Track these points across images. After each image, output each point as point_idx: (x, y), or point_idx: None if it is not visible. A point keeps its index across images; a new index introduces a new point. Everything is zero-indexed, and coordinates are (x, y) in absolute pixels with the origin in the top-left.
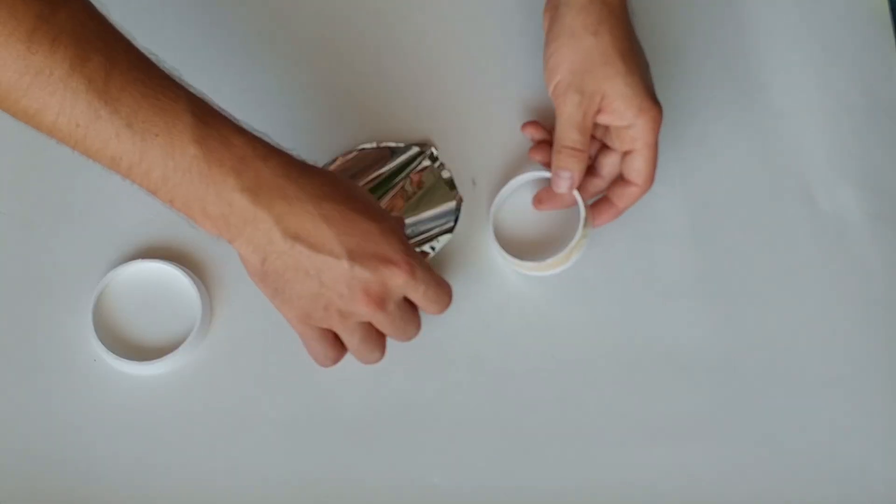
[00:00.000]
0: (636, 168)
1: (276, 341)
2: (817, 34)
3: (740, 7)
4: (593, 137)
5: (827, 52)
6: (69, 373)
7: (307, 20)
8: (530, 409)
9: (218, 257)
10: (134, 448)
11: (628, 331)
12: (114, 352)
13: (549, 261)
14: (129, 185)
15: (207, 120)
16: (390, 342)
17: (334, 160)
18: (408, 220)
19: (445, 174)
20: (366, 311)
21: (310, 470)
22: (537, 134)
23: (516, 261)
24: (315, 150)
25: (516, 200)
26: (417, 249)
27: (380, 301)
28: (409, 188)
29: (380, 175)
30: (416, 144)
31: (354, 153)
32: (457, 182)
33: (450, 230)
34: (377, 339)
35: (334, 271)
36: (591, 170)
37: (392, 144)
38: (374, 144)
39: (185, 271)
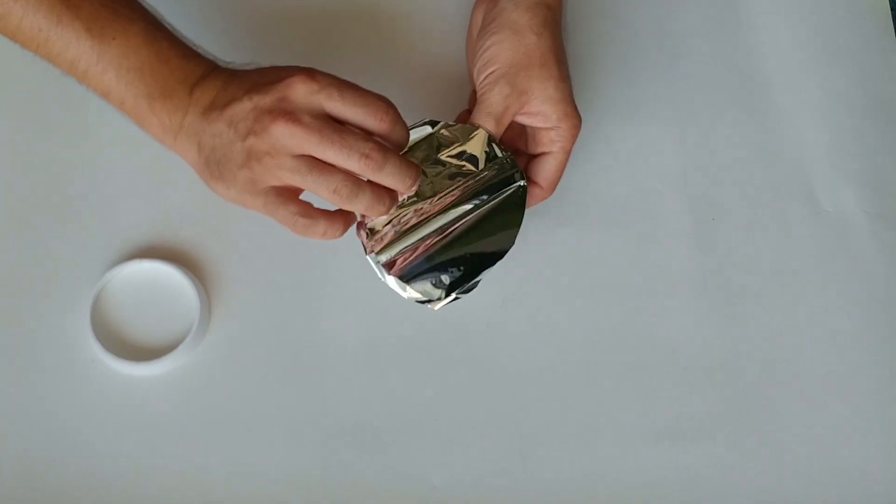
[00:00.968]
0: (547, 170)
1: (276, 341)
2: (818, 34)
3: (740, 7)
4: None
5: (828, 51)
6: (68, 373)
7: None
8: (530, 410)
9: (217, 257)
10: (133, 448)
11: (628, 331)
12: (112, 352)
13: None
14: (128, 186)
15: (158, 26)
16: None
17: None
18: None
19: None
20: (282, 133)
21: (309, 470)
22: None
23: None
24: None
25: None
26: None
27: (288, 115)
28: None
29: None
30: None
31: None
32: None
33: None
34: (328, 168)
35: (240, 113)
36: None
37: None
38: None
39: (183, 271)
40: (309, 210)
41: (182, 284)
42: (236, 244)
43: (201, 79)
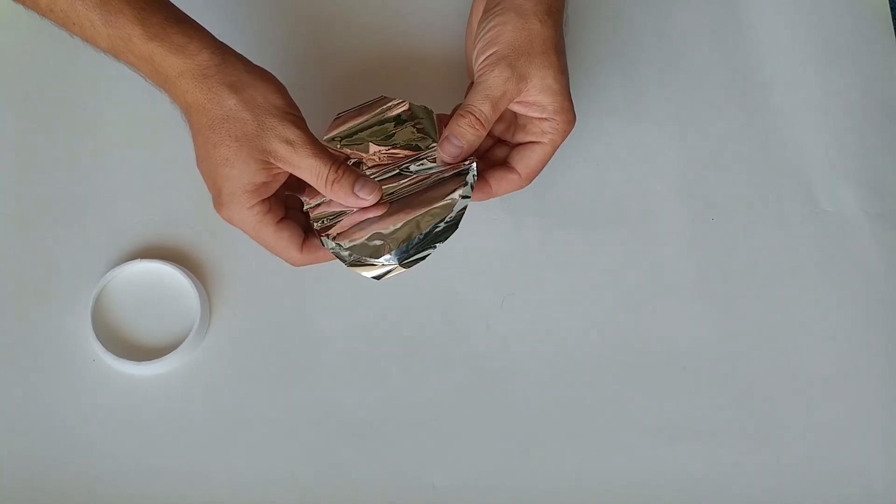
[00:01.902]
0: (531, 159)
1: (276, 341)
2: (818, 34)
3: (740, 7)
4: (489, 135)
5: (828, 51)
6: (68, 373)
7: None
8: (530, 409)
9: (217, 257)
10: (133, 448)
11: (628, 331)
12: (113, 352)
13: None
14: (128, 186)
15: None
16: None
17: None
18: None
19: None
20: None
21: (309, 470)
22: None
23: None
24: None
25: None
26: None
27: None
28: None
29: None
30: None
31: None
32: None
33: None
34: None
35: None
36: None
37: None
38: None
39: (183, 271)
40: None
41: (182, 284)
42: (236, 244)
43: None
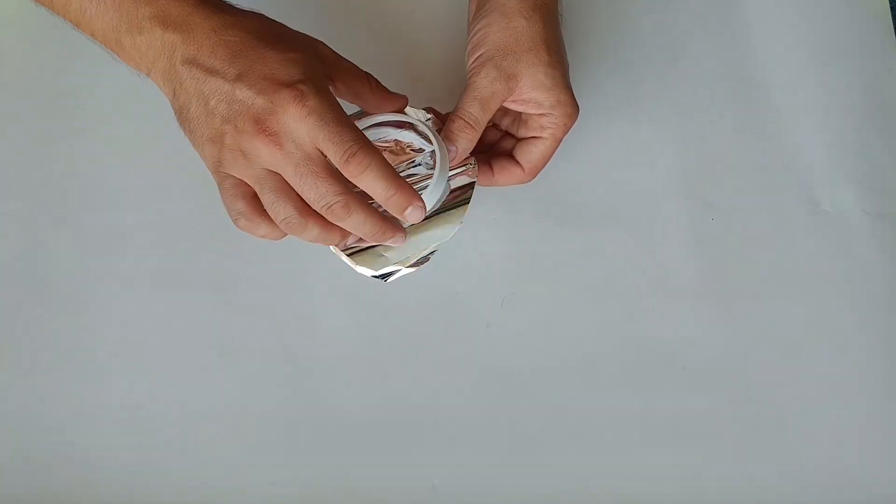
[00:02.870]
0: (533, 154)
1: (275, 341)
2: (818, 34)
3: (740, 7)
4: (497, 128)
5: (827, 51)
6: (68, 373)
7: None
8: (530, 410)
9: (217, 257)
10: (133, 448)
11: (628, 331)
12: None
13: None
14: (128, 186)
15: None
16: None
17: None
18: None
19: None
20: (262, 149)
21: (309, 471)
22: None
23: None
24: None
25: None
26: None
27: (274, 136)
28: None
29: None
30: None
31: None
32: None
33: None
34: (288, 195)
35: (220, 93)
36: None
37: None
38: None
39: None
40: (254, 212)
41: None
42: (236, 243)
43: (172, 14)
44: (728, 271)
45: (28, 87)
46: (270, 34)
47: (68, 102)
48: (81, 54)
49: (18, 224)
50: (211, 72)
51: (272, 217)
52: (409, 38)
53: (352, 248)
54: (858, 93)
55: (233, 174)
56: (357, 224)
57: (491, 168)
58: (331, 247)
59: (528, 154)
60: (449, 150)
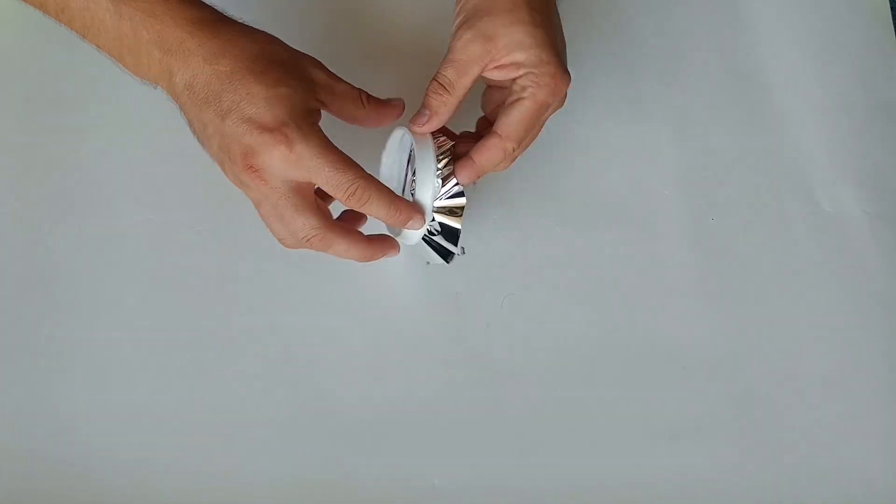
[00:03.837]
0: (509, 117)
1: (276, 340)
2: (818, 34)
3: (740, 7)
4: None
5: (828, 51)
6: (68, 373)
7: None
8: (530, 409)
9: (217, 256)
10: (133, 448)
11: (628, 331)
12: None
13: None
14: (128, 185)
15: None
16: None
17: None
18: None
19: None
20: (251, 182)
21: (309, 470)
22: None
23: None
24: None
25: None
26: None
27: (260, 171)
28: None
29: None
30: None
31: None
32: None
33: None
34: (283, 220)
35: (213, 124)
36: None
37: None
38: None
39: None
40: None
41: None
42: (236, 243)
43: (167, 40)
44: (728, 271)
45: (28, 87)
46: (262, 61)
47: (68, 102)
48: (81, 54)
49: (18, 224)
50: (205, 101)
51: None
52: (400, 42)
53: None
54: (858, 93)
55: (242, 189)
56: (341, 251)
57: (470, 158)
58: None
59: (505, 117)
60: (422, 115)
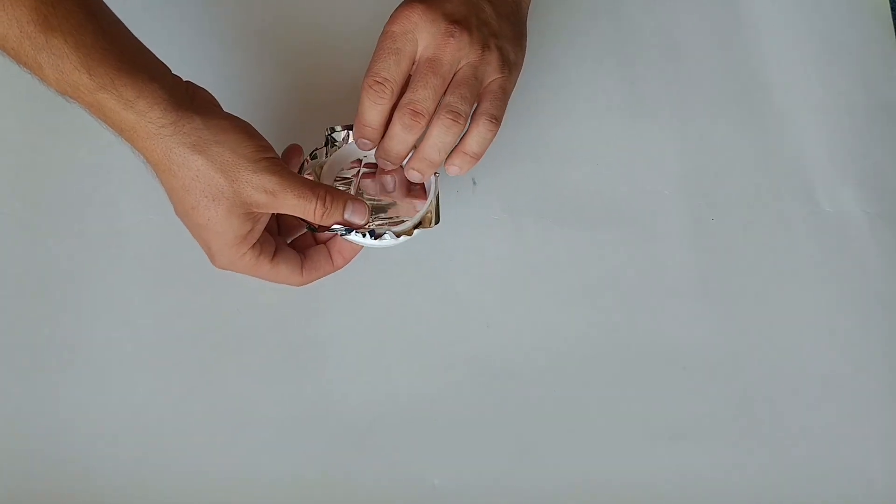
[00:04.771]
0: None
1: (276, 341)
2: (819, 34)
3: (740, 7)
4: None
5: (828, 51)
6: (68, 373)
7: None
8: (530, 409)
9: None
10: (133, 448)
11: (628, 331)
12: None
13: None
14: (128, 185)
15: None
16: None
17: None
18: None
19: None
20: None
21: (309, 470)
22: None
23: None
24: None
25: None
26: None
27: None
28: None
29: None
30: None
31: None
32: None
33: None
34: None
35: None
36: None
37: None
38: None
39: None
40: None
41: None
42: None
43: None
44: (728, 271)
45: (28, 86)
46: (201, 188)
47: (68, 102)
48: None
49: (18, 224)
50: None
51: None
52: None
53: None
54: (858, 93)
55: None
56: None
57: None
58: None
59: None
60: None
